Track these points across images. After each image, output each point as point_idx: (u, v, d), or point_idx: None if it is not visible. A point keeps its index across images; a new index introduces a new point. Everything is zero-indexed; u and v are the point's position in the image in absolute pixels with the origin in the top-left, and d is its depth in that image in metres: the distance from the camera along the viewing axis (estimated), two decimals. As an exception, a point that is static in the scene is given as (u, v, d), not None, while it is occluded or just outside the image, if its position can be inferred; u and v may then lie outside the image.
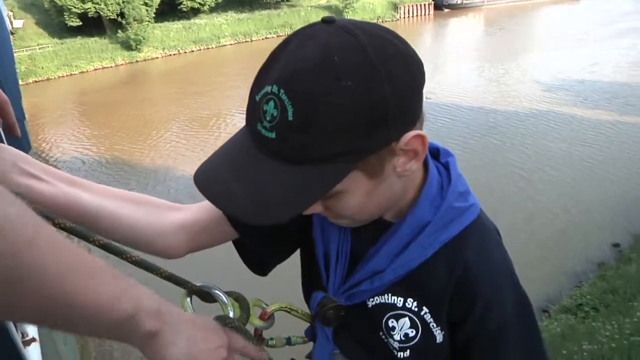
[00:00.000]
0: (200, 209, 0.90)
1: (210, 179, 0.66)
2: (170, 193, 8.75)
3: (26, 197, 0.48)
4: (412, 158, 0.68)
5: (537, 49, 21.73)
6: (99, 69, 28.69)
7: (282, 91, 0.59)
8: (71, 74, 27.48)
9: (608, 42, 21.41)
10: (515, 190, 8.69)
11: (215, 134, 12.27)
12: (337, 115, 0.59)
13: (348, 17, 0.63)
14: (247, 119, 0.65)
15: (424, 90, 0.67)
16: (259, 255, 0.93)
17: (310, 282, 0.93)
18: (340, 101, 0.58)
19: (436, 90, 15.37)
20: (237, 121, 12.80)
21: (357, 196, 0.68)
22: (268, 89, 0.60)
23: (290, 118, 0.58)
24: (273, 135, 0.60)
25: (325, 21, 0.63)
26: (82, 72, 27.88)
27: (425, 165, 0.79)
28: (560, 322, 4.82)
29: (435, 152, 0.84)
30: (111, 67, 29.09)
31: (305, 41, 0.61)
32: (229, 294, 0.83)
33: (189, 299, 0.80)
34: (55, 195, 0.71)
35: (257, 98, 0.62)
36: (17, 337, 1.14)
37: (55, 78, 27.02)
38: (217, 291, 0.81)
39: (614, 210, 7.94)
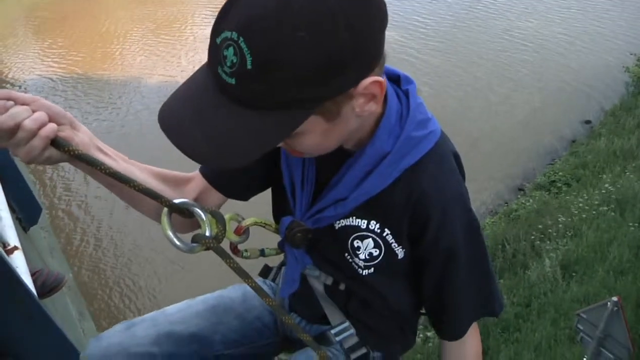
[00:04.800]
0: (199, 178, 0.96)
1: (173, 122, 0.68)
2: (144, 100, 8.56)
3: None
4: (371, 100, 0.69)
5: None
6: (46, -22, 26.56)
7: (241, 39, 0.59)
8: (16, -13, 25.45)
9: None
10: (494, 70, 8.65)
11: (185, 35, 11.72)
12: (294, 64, 0.59)
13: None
14: (209, 61, 0.66)
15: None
16: (236, 194, 0.99)
17: (279, 209, 0.99)
18: (297, 51, 0.59)
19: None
20: (207, 21, 12.17)
21: (315, 136, 0.70)
22: (227, 34, 0.61)
23: (249, 67, 0.59)
24: (233, 81, 0.61)
25: None
26: (28, -16, 25.79)
27: (384, 95, 0.79)
28: (535, 199, 5.06)
29: (396, 79, 0.85)
30: (58, -25, 26.93)
31: None
32: (205, 210, 0.85)
33: (167, 218, 0.81)
34: (117, 168, 0.79)
35: (218, 41, 0.62)
36: (-1, 247, 1.17)
37: (-1, -8, 25.03)
38: (195, 208, 0.83)
39: (587, 87, 8.04)
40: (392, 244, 0.86)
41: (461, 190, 0.85)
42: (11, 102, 0.67)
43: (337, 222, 0.88)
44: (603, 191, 4.63)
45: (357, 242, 0.88)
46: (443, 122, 0.93)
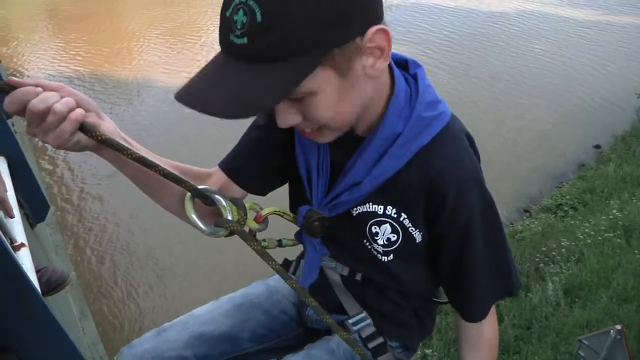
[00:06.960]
0: (219, 173, 0.97)
1: (188, 91, 0.70)
2: (164, 98, 8.57)
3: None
4: (379, 57, 0.71)
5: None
6: (66, -22, 26.81)
7: None
8: (36, -15, 25.71)
9: None
10: (503, 90, 8.64)
11: (207, 35, 11.71)
12: (300, 9, 0.62)
13: None
14: (220, 37, 0.69)
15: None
16: (256, 188, 1.00)
17: (296, 198, 1.00)
18: None
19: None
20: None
21: (329, 96, 0.71)
22: (237, 0, 0.65)
23: (259, 20, 0.63)
24: (244, 40, 0.65)
25: None
26: (48, -18, 26.04)
27: (393, 78, 0.82)
28: (540, 221, 5.03)
29: (404, 64, 0.87)
30: (78, -25, 27.17)
31: None
32: (226, 197, 0.86)
33: (191, 202, 0.83)
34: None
35: (228, 13, 0.66)
36: (7, 243, 1.19)
37: (19, -11, 25.29)
38: (216, 195, 0.84)
39: (599, 110, 8.00)
40: (410, 228, 0.87)
41: (475, 167, 0.85)
42: (40, 89, 0.69)
43: (354, 209, 0.89)
44: (610, 217, 4.60)
45: (375, 228, 0.89)
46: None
